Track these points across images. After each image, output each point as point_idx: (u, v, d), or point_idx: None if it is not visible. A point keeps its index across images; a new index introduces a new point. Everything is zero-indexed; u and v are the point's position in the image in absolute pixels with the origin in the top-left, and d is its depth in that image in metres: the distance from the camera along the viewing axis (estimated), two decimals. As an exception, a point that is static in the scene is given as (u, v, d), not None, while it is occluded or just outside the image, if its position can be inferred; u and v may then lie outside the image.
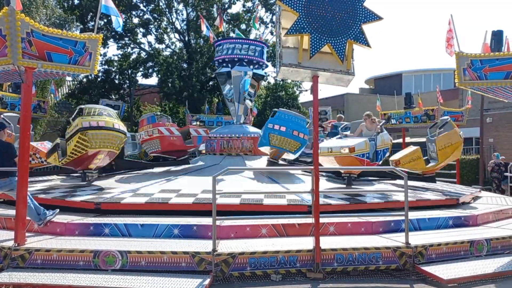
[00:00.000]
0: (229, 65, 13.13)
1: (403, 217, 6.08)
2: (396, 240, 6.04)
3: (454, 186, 11.87)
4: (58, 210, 6.66)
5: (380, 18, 5.75)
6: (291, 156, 10.81)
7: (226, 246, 5.62)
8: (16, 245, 5.52)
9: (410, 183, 9.74)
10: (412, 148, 10.93)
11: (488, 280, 5.41)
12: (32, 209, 6.24)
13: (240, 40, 13.56)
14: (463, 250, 6.08)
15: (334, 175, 10.54)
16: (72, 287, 4.80)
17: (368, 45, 5.71)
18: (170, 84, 25.01)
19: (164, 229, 6.24)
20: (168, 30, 28.76)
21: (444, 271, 5.40)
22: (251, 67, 13.07)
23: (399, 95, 24.93)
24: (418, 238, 6.12)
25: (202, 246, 5.56)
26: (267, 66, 14.21)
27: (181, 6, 27.91)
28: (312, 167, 5.79)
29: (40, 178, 11.08)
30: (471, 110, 17.68)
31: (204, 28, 16.17)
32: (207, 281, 4.93)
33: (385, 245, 5.78)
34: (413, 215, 7.13)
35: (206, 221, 6.30)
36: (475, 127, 20.74)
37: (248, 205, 7.27)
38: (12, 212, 6.58)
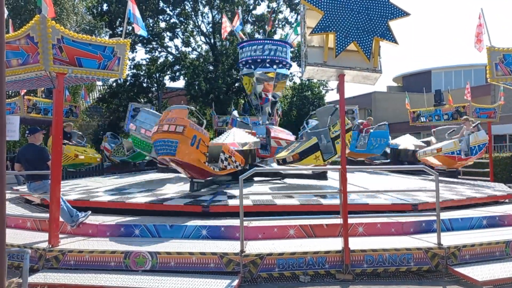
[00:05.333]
0: (252, 66, 13.19)
1: (434, 217, 5.94)
2: (427, 240, 5.90)
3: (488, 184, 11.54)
4: (90, 212, 6.81)
5: (407, 14, 5.64)
6: None
7: (254, 247, 5.62)
8: (50, 246, 5.69)
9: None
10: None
11: (526, 282, 5.22)
12: (65, 211, 6.41)
13: (262, 41, 13.58)
14: (499, 250, 5.88)
15: None
16: (104, 287, 4.90)
17: (395, 42, 5.61)
18: (196, 87, 25.26)
19: (192, 230, 6.30)
20: (194, 33, 29.09)
21: (479, 272, 5.24)
22: (274, 67, 13.07)
23: (429, 93, 24.43)
24: (451, 239, 5.95)
25: (230, 247, 5.58)
26: (290, 65, 14.20)
27: (206, 9, 28.21)
28: (339, 166, 5.72)
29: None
30: (504, 106, 17.13)
31: (226, 31, 16.19)
32: (236, 282, 4.94)
33: (416, 246, 5.66)
34: (445, 215, 6.96)
35: (234, 222, 6.32)
36: (509, 124, 20.10)
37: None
38: (46, 214, 6.78)
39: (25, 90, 13.86)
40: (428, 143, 14.11)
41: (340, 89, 5.73)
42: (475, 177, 14.90)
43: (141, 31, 8.08)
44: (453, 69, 39.38)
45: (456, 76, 38.68)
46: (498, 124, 18.83)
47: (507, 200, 9.49)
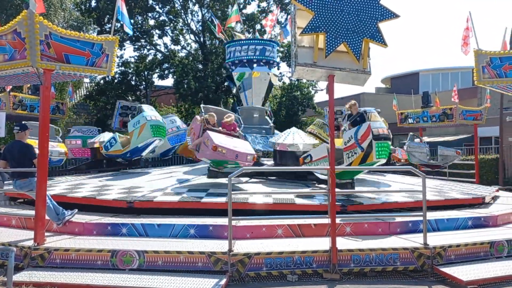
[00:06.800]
0: (233, 67, 13.20)
1: (421, 218, 6.01)
2: (414, 240, 5.96)
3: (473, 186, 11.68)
4: (76, 210, 6.74)
5: (396, 16, 5.69)
6: None
7: (242, 246, 5.62)
8: (36, 244, 5.62)
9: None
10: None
11: (510, 281, 5.30)
12: (51, 209, 6.34)
13: (248, 41, 13.57)
14: (483, 251, 5.97)
15: None
16: (90, 286, 4.86)
17: (385, 44, 5.65)
18: (185, 85, 25.12)
19: (180, 229, 6.28)
20: (184, 31, 28.91)
21: (464, 272, 5.31)
22: (255, 66, 13.07)
23: (416, 94, 24.64)
24: (437, 239, 6.02)
25: (218, 246, 5.57)
26: (278, 63, 14.20)
27: (196, 7, 28.05)
28: (328, 167, 5.75)
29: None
30: (490, 108, 17.37)
31: (219, 32, 16.17)
32: (223, 281, 4.94)
33: (402, 246, 5.72)
34: (432, 215, 7.03)
35: (222, 221, 6.31)
36: (495, 126, 20.36)
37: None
38: (31, 212, 6.69)
39: (10, 86, 13.65)
40: None
41: (330, 89, 5.76)
42: (461, 178, 15.10)
43: (126, 28, 8.01)
44: (440, 71, 39.76)
45: (443, 78, 39.06)
46: (484, 126, 19.08)
47: (492, 201, 9.62)
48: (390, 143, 8.06)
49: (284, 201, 7.42)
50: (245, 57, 13.02)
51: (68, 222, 6.50)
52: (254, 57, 13.06)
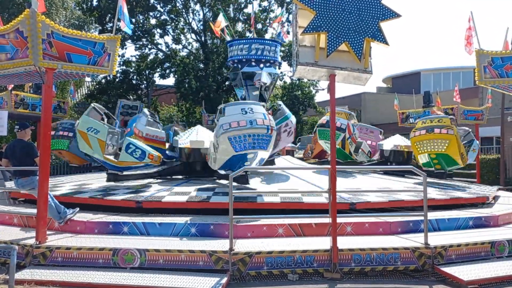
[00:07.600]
0: (239, 66, 13.18)
1: (421, 217, 6.01)
2: (414, 240, 5.96)
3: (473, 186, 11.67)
4: (78, 208, 6.76)
5: (398, 16, 5.69)
6: None
7: (243, 245, 5.63)
8: (38, 243, 5.63)
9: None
10: None
11: (511, 281, 5.30)
12: (52, 207, 6.35)
13: (251, 40, 13.54)
14: (484, 251, 5.97)
15: None
16: (91, 284, 4.88)
17: (386, 43, 5.65)
18: (186, 85, 25.17)
19: (181, 228, 6.29)
20: (185, 30, 28.95)
21: (465, 272, 5.31)
22: (261, 66, 13.05)
23: (418, 94, 24.64)
24: (438, 239, 6.02)
25: (219, 245, 5.58)
26: (280, 63, 14.17)
27: (197, 7, 28.07)
28: (329, 166, 5.75)
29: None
30: (491, 108, 17.38)
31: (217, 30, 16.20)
32: (224, 280, 4.95)
33: (403, 246, 5.72)
34: (432, 215, 7.03)
35: (223, 220, 6.32)
36: (496, 126, 20.36)
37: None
38: (33, 210, 6.70)
39: (12, 85, 13.68)
40: None
41: (331, 89, 5.76)
42: (462, 178, 15.09)
43: (125, 28, 8.00)
44: (442, 71, 39.79)
45: (445, 78, 39.08)
46: (486, 126, 19.09)
47: (493, 201, 9.62)
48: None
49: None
50: (272, 58, 13.06)
51: (69, 221, 6.52)
52: (274, 58, 13.10)
